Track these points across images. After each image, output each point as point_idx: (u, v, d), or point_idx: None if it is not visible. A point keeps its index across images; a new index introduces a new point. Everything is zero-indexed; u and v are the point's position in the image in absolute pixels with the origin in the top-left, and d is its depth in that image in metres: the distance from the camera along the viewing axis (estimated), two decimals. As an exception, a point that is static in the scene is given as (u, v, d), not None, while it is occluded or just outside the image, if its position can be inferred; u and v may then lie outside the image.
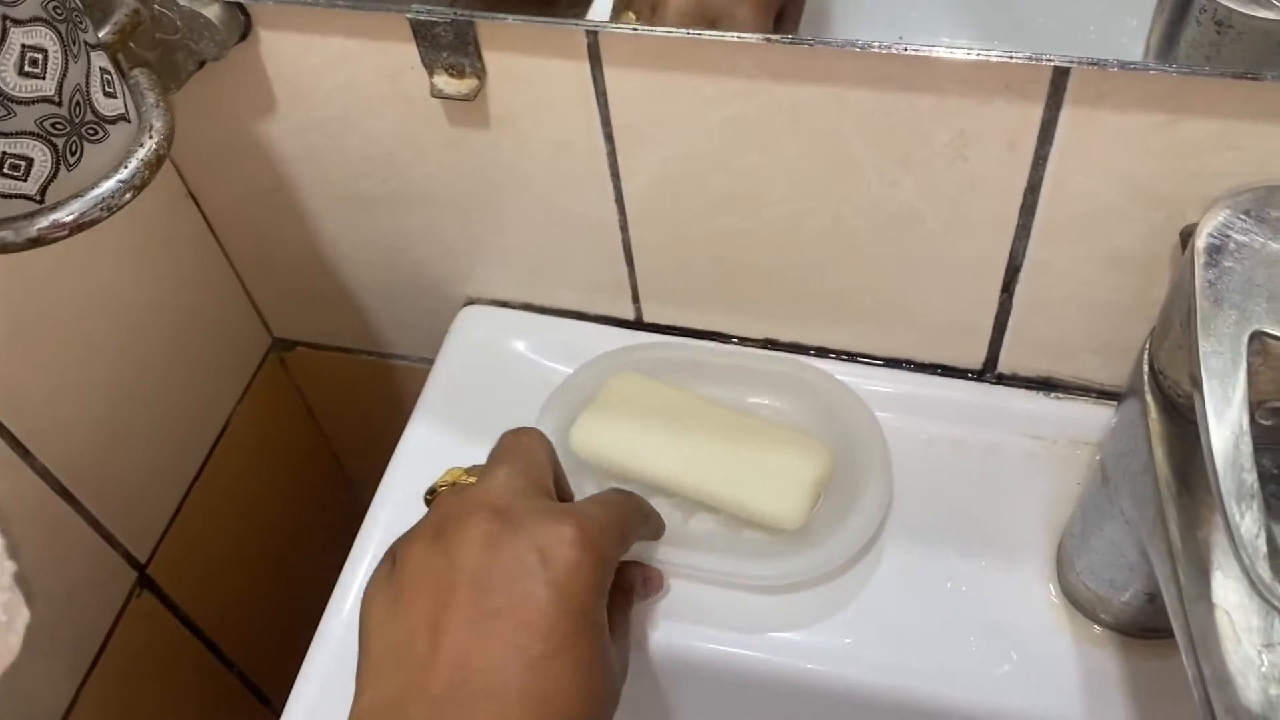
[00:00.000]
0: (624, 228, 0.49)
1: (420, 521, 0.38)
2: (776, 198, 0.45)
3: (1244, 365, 0.30)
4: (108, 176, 0.36)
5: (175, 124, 0.40)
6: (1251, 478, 0.28)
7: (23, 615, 0.38)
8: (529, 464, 0.39)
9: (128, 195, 0.36)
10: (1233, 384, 0.30)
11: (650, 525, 0.43)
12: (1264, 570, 0.27)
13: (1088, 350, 0.48)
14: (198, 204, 0.56)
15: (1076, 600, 0.45)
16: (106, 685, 0.55)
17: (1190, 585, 0.32)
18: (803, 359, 0.52)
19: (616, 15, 0.40)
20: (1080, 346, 0.48)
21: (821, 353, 0.52)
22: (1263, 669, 0.30)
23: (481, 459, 0.51)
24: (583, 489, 0.47)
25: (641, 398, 0.49)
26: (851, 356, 0.52)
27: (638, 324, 0.55)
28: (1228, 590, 0.32)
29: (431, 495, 0.41)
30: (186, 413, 0.58)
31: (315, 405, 0.68)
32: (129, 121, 0.38)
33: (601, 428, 0.48)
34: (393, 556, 0.38)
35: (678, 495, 0.48)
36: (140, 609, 0.56)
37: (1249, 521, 0.28)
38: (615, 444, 0.48)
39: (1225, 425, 0.29)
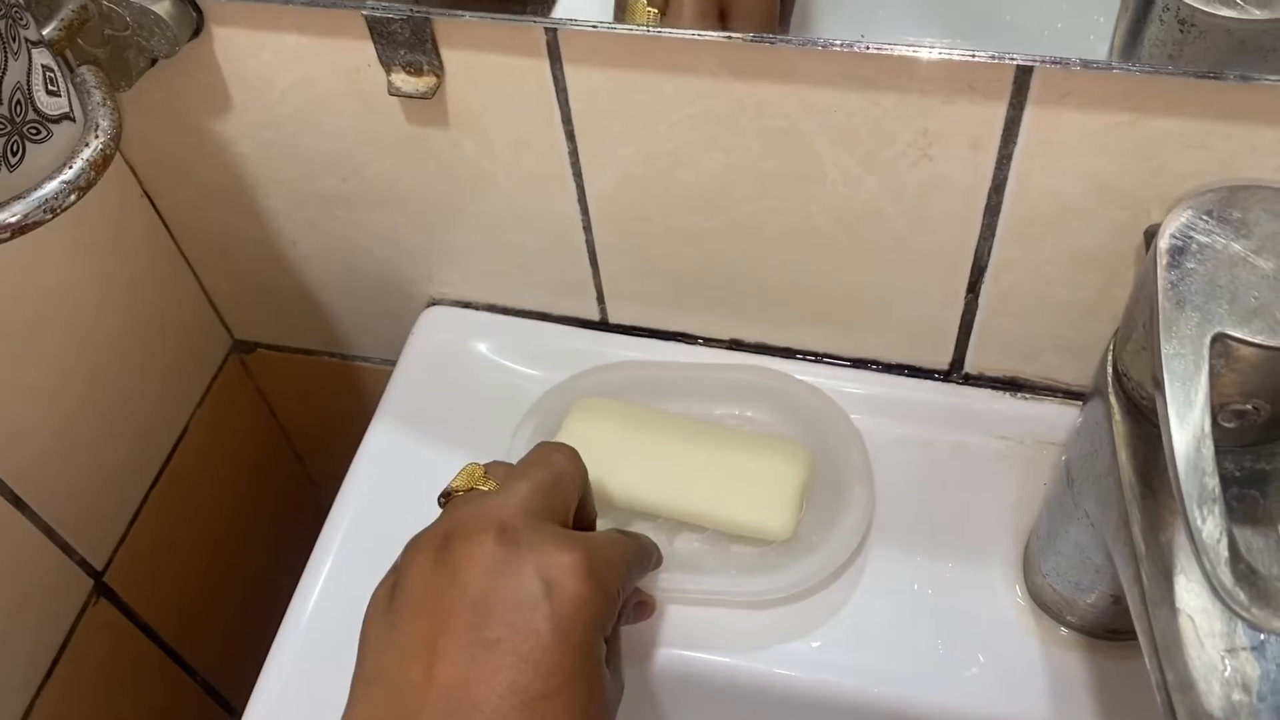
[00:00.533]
0: (587, 227, 0.49)
1: (429, 529, 0.37)
2: (741, 197, 0.45)
3: (1206, 368, 0.30)
4: (51, 177, 0.35)
5: (124, 123, 0.39)
6: (1213, 481, 0.28)
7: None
8: (554, 484, 0.37)
9: (72, 196, 0.35)
10: (1195, 387, 0.29)
11: (653, 562, 0.42)
12: (1225, 575, 0.27)
13: (1053, 350, 0.47)
14: (153, 204, 0.54)
15: (1043, 602, 0.44)
16: (62, 695, 0.54)
17: (1154, 589, 0.32)
18: (766, 363, 0.51)
19: (627, 7, 0.38)
20: (1046, 346, 0.48)
21: (788, 353, 0.52)
22: (1226, 674, 0.30)
23: (443, 462, 0.50)
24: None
25: (609, 421, 0.47)
26: (818, 357, 0.52)
27: (603, 324, 0.54)
28: (1191, 594, 0.31)
29: (445, 498, 0.39)
30: (144, 416, 0.57)
31: (277, 407, 0.67)
32: (74, 121, 0.37)
33: None
34: (397, 569, 0.36)
35: (659, 517, 0.47)
36: (97, 617, 0.55)
37: (1211, 526, 0.28)
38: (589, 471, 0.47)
39: (1187, 428, 0.29)
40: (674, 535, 0.47)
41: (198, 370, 0.61)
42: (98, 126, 0.37)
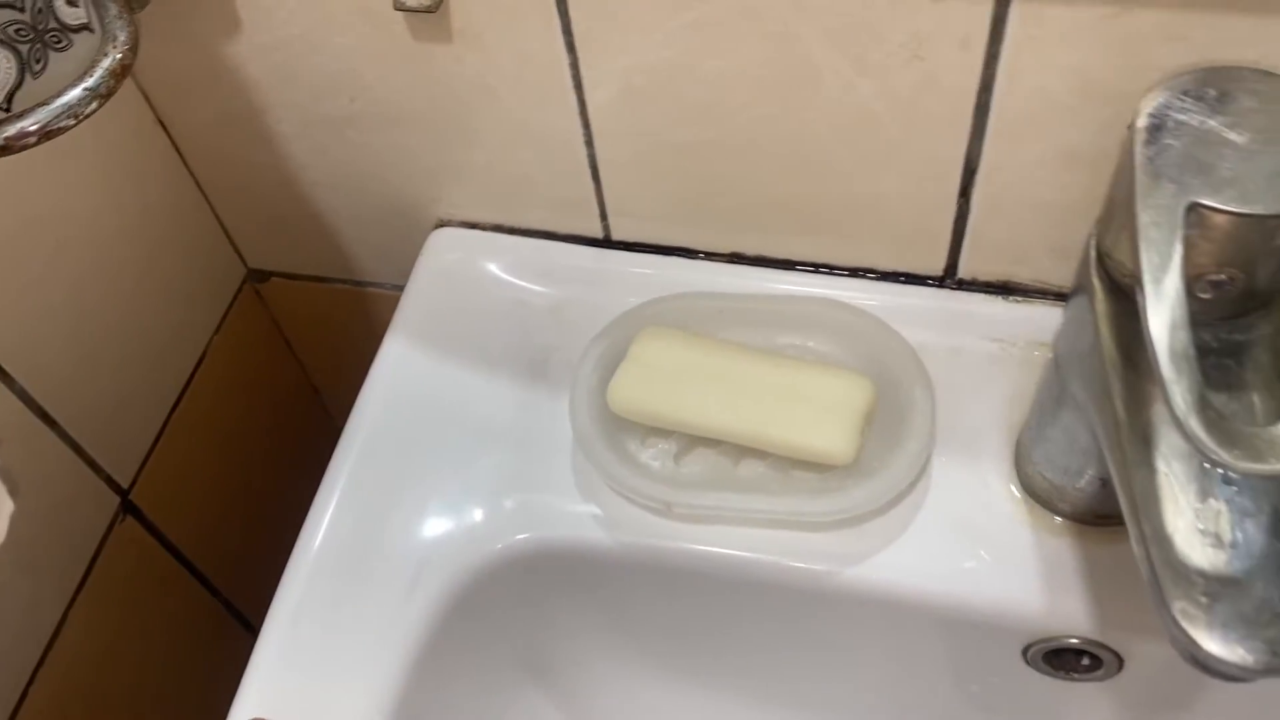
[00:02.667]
0: (589, 142, 0.50)
1: None
2: (738, 105, 0.46)
3: (1181, 234, 0.31)
4: (73, 85, 0.37)
5: (140, 36, 0.40)
6: (1186, 336, 0.29)
7: (7, 505, 0.39)
8: None
9: (94, 104, 0.37)
10: (1171, 252, 0.31)
11: None
12: (1197, 426, 0.28)
13: (1044, 252, 0.49)
14: (167, 132, 0.56)
15: (1035, 492, 0.46)
16: (93, 608, 0.56)
17: (1133, 451, 0.33)
18: (828, 294, 0.51)
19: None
20: (1037, 248, 0.49)
21: (788, 265, 0.53)
22: (1199, 525, 0.32)
23: (453, 380, 0.52)
24: (626, 445, 0.48)
25: (673, 349, 0.48)
26: (816, 267, 0.53)
27: (606, 242, 0.55)
28: (1167, 454, 0.33)
29: None
30: (162, 343, 0.59)
31: (292, 336, 0.69)
32: (92, 31, 0.38)
33: (637, 385, 0.47)
34: None
35: (723, 443, 0.48)
36: (124, 534, 0.57)
37: (1184, 379, 0.29)
38: (654, 399, 0.47)
39: (1164, 291, 0.30)
40: (738, 460, 0.48)
41: (214, 299, 0.63)
42: (115, 38, 0.38)
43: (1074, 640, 0.44)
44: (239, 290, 0.64)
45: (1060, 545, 0.45)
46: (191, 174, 0.58)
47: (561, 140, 0.50)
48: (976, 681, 0.49)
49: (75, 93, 0.37)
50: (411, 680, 0.46)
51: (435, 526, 0.48)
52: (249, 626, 0.67)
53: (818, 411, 0.46)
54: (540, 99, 0.48)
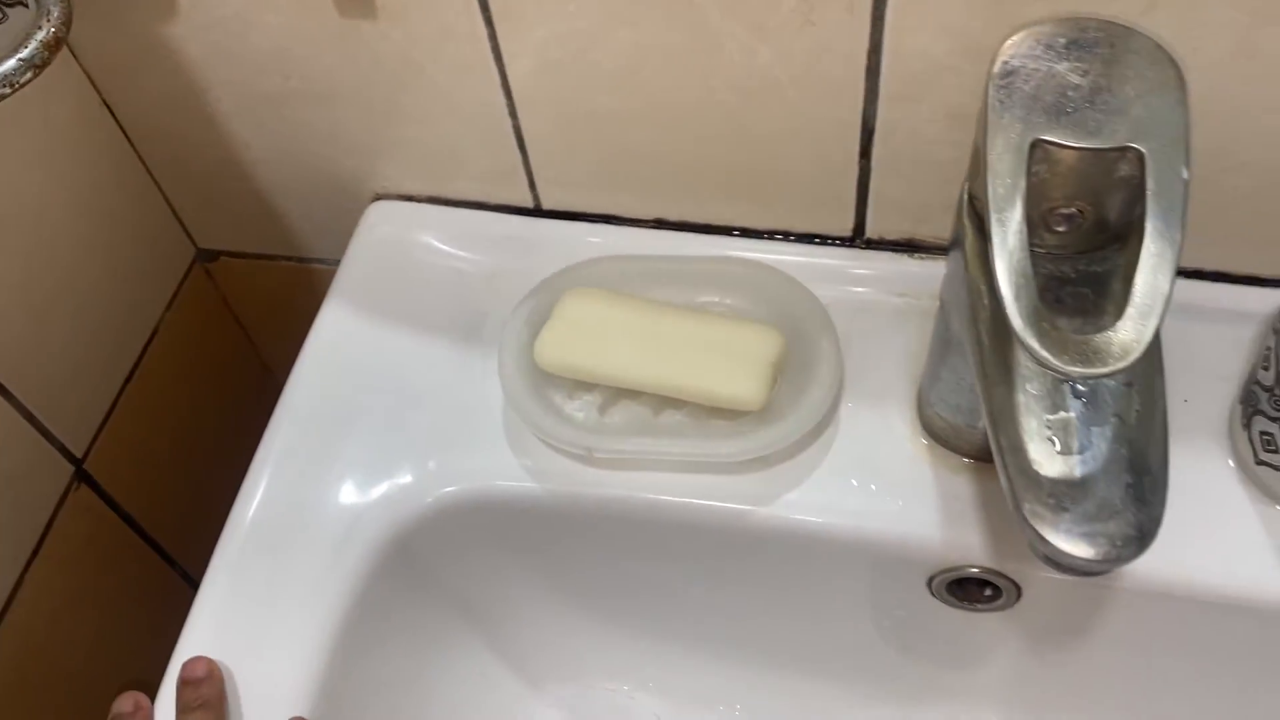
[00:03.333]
0: (513, 114, 0.53)
1: None
2: (649, 74, 0.49)
3: (1025, 168, 0.34)
4: (8, 56, 0.39)
5: (78, 24, 0.42)
6: (1025, 258, 0.32)
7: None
8: None
9: (28, 74, 0.39)
10: (1015, 184, 0.34)
11: None
12: (1030, 337, 0.31)
13: (941, 210, 0.52)
14: (113, 114, 0.58)
15: (935, 433, 0.49)
16: (48, 574, 0.58)
17: (994, 373, 0.36)
18: (745, 255, 0.54)
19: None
20: (935, 207, 0.52)
21: (708, 229, 0.56)
22: (1048, 435, 0.35)
23: (388, 346, 0.54)
24: (552, 399, 0.51)
25: (596, 308, 0.51)
26: (735, 231, 0.56)
27: (537, 210, 0.58)
28: (1024, 375, 0.36)
29: None
30: (114, 317, 0.61)
31: (241, 313, 0.71)
32: (26, 7, 0.41)
33: (562, 341, 0.50)
34: None
35: (644, 394, 0.50)
36: (78, 501, 0.59)
37: (1022, 297, 0.32)
38: (578, 354, 0.50)
39: (1006, 219, 0.33)
40: (659, 411, 0.50)
41: (164, 278, 0.65)
42: (49, 12, 0.41)
43: (974, 570, 0.47)
44: (189, 269, 0.67)
45: (959, 482, 0.48)
46: (139, 155, 0.61)
47: (487, 112, 0.53)
48: (888, 616, 0.52)
49: (10, 64, 0.39)
50: (345, 631, 0.48)
51: (368, 483, 0.51)
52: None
53: (731, 362, 0.49)
54: (464, 72, 0.51)
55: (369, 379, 0.54)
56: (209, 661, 0.46)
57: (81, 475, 0.59)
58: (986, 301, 0.37)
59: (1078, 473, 0.34)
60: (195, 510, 0.68)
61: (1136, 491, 0.33)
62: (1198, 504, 0.46)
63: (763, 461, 0.49)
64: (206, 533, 0.51)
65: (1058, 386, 0.35)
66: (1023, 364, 0.36)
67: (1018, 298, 0.31)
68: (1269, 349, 0.43)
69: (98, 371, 0.61)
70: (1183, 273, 0.52)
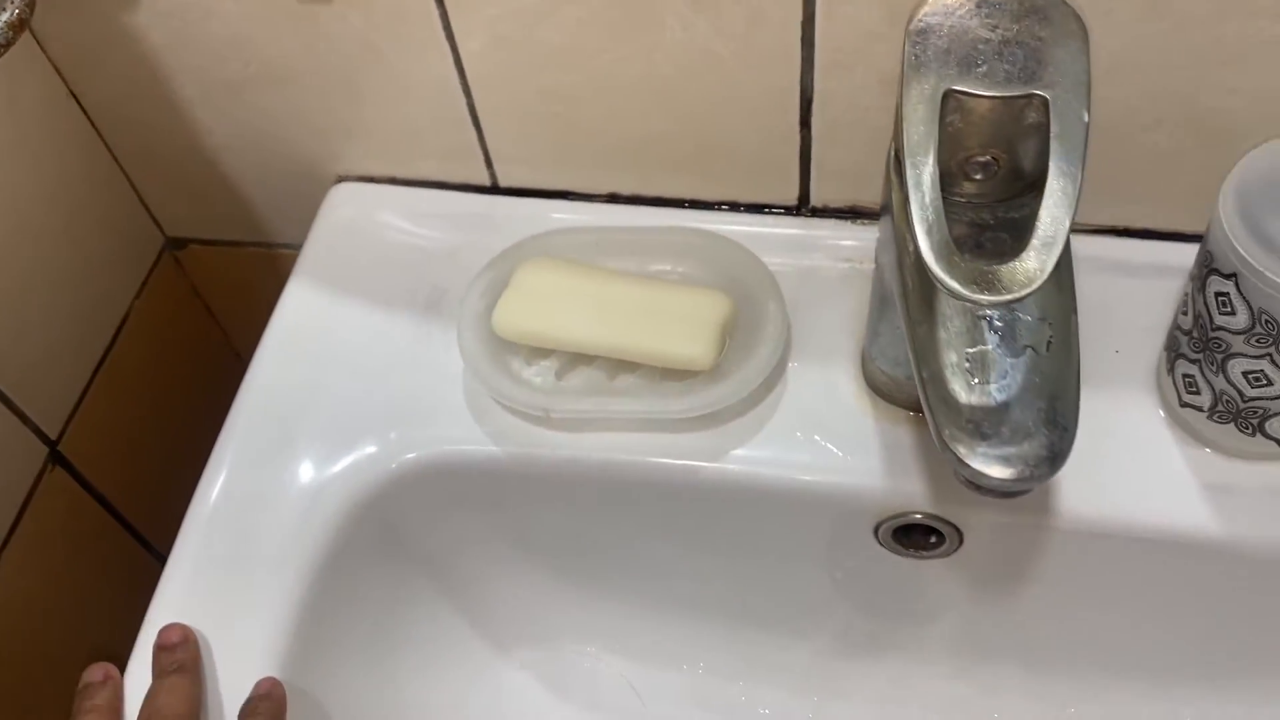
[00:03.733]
0: (467, 92, 0.54)
1: None
2: (596, 49, 0.51)
3: (937, 117, 0.36)
4: (-27, 37, 0.41)
5: (46, 20, 0.44)
6: (936, 197, 0.34)
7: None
8: None
9: (9, 34, 0.41)
10: (928, 132, 0.36)
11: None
12: (940, 268, 0.33)
13: (881, 176, 0.54)
14: (80, 103, 0.60)
15: (877, 388, 0.51)
16: (25, 555, 0.59)
17: (917, 313, 0.38)
18: (694, 225, 0.56)
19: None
20: (875, 173, 0.53)
21: (660, 202, 0.58)
22: (967, 367, 0.37)
23: (351, 323, 0.56)
24: (510, 365, 0.52)
25: (552, 277, 0.52)
26: (685, 203, 0.58)
27: (494, 189, 0.60)
28: (945, 313, 0.38)
29: None
30: (85, 305, 0.63)
31: (211, 301, 0.72)
32: (-8, -10, 0.42)
33: (519, 309, 0.52)
34: None
35: (599, 359, 0.52)
36: (53, 483, 0.61)
37: (933, 234, 0.34)
38: (534, 321, 0.51)
39: (919, 163, 0.35)
40: (614, 375, 0.52)
41: (132, 268, 0.67)
42: (13, -4, 0.43)
43: (917, 515, 0.49)
44: (158, 258, 0.68)
45: (901, 434, 0.50)
46: (106, 145, 0.62)
47: (442, 91, 0.54)
48: (839, 567, 0.54)
49: (-25, 43, 0.41)
50: (313, 597, 0.49)
51: (332, 455, 0.52)
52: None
53: (681, 325, 0.51)
54: (418, 53, 0.53)
55: (333, 355, 0.56)
56: (183, 627, 0.48)
57: (56, 457, 0.61)
58: (911, 248, 0.39)
59: (994, 400, 0.36)
60: (168, 493, 0.69)
61: (1049, 416, 0.35)
62: (1128, 448, 0.49)
63: (713, 419, 0.51)
64: (179, 515, 0.52)
65: (976, 323, 0.37)
66: (943, 304, 0.38)
67: (929, 234, 0.34)
68: (1187, 295, 0.46)
69: (69, 359, 0.62)
70: (1109, 231, 0.54)
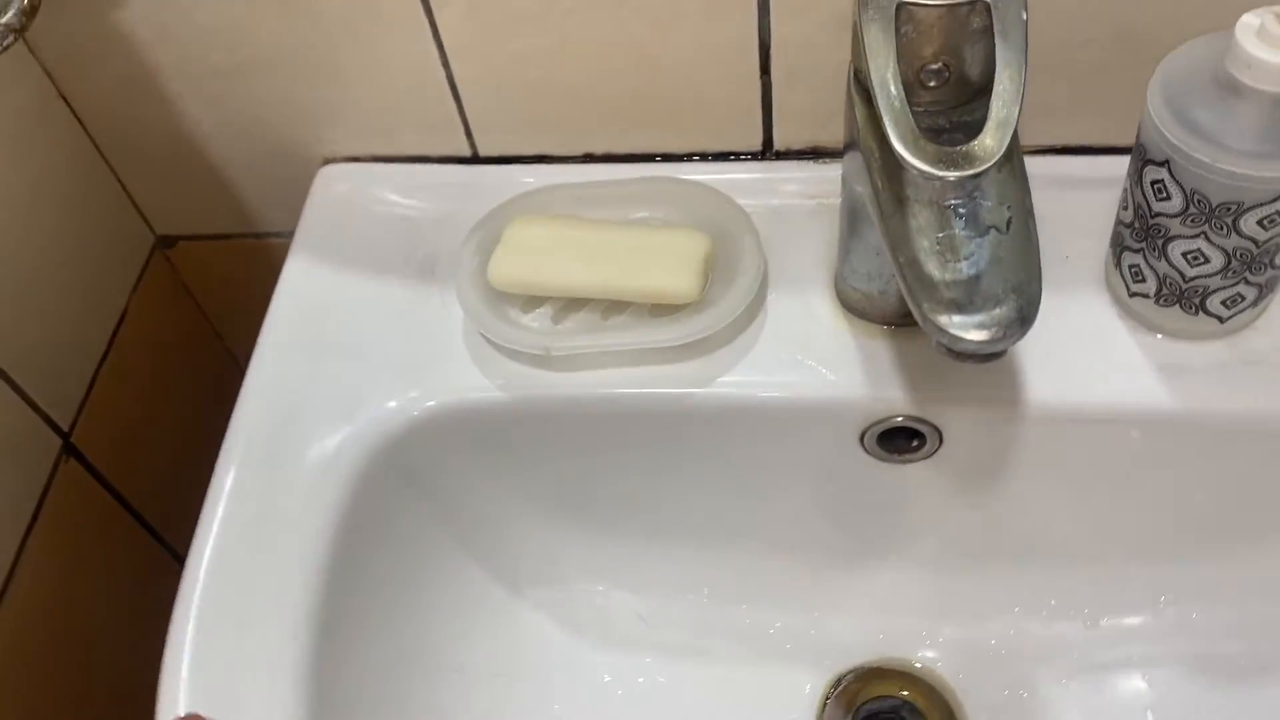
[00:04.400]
0: (445, 64, 0.58)
1: None
2: (565, 10, 0.54)
3: (893, 28, 0.40)
4: (-10, 22, 0.44)
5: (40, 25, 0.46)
6: (899, 92, 0.38)
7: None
8: None
9: (10, 38, 0.44)
10: (887, 40, 0.40)
11: None
12: (907, 151, 0.37)
13: (839, 115, 0.58)
14: (69, 105, 0.62)
15: (852, 306, 0.55)
16: (44, 551, 0.61)
17: (889, 209, 0.42)
18: (667, 174, 0.60)
19: None
20: (834, 112, 0.57)
21: (632, 158, 0.62)
22: (938, 249, 0.40)
23: (350, 293, 0.59)
24: (508, 314, 0.56)
25: (540, 230, 0.56)
26: (656, 157, 0.61)
27: (475, 158, 0.63)
28: (914, 206, 0.42)
29: None
30: (80, 308, 0.65)
31: (204, 297, 0.75)
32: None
33: (512, 261, 0.55)
34: None
35: (592, 301, 0.55)
36: (68, 475, 0.63)
37: (900, 123, 0.38)
38: (528, 270, 0.55)
39: (880, 67, 0.39)
40: (607, 315, 0.55)
41: (125, 267, 0.69)
42: (23, -15, 0.45)
43: (899, 418, 0.53)
44: (149, 256, 0.70)
45: (877, 346, 0.54)
46: (95, 145, 0.65)
47: (422, 65, 0.58)
48: (830, 480, 0.58)
49: (-8, 27, 0.44)
50: (337, 552, 0.52)
51: (344, 414, 0.55)
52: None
53: (665, 262, 0.54)
54: (397, 27, 0.56)
55: (335, 324, 0.59)
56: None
57: (69, 448, 0.63)
58: (877, 152, 0.43)
59: (965, 275, 0.40)
60: (177, 483, 0.71)
61: (1015, 284, 0.39)
62: (1086, 340, 0.53)
63: (702, 348, 0.54)
64: (189, 505, 0.54)
65: (942, 212, 0.41)
66: (912, 198, 0.42)
67: (896, 123, 0.38)
68: (1126, 191, 0.50)
69: (73, 355, 0.64)
70: (1051, 150, 0.59)
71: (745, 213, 0.57)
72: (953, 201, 0.40)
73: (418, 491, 0.57)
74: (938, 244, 0.41)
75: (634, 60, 0.56)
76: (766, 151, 0.61)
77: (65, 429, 0.63)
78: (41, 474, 0.61)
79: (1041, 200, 0.51)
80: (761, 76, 0.57)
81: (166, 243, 0.71)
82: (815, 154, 0.60)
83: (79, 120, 0.63)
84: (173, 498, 0.71)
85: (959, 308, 0.39)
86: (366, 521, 0.54)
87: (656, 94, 0.58)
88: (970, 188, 0.39)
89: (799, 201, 0.60)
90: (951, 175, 0.37)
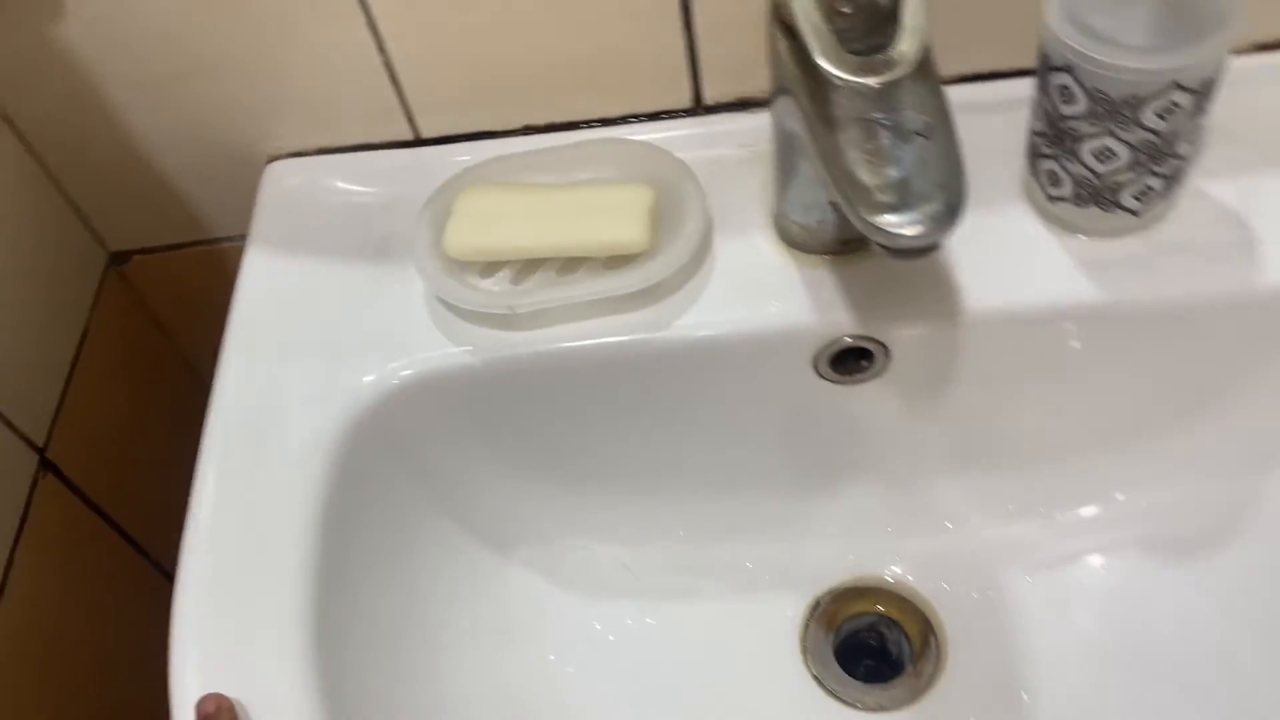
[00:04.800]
0: (382, 49, 0.60)
1: None
2: (495, -15, 0.57)
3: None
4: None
5: None
6: (821, 18, 0.41)
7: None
8: None
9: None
10: (801, -30, 0.43)
11: None
12: (829, 64, 0.40)
13: (761, 66, 0.61)
14: (13, 126, 0.63)
15: (793, 240, 0.58)
16: (30, 562, 0.62)
17: (819, 129, 0.45)
18: (604, 134, 0.62)
19: None
20: (757, 63, 0.60)
21: (571, 125, 0.64)
22: (867, 159, 0.43)
23: (310, 282, 0.60)
24: (469, 281, 0.58)
25: (490, 198, 0.58)
26: (593, 123, 0.64)
27: (419, 141, 0.65)
28: (843, 123, 0.45)
29: None
30: (39, 328, 0.65)
31: (161, 313, 0.76)
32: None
33: (467, 229, 0.57)
34: None
35: (548, 261, 0.58)
36: (46, 490, 0.64)
37: (820, 40, 0.41)
38: (482, 236, 0.57)
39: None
40: (564, 273, 0.58)
41: (81, 286, 0.70)
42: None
43: (848, 339, 0.56)
44: (104, 274, 0.71)
45: (820, 275, 0.57)
46: (42, 164, 0.66)
47: (358, 53, 0.60)
48: (787, 408, 0.60)
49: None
50: (328, 530, 0.53)
51: (319, 397, 0.56)
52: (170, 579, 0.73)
53: (614, 215, 0.57)
54: (332, 18, 0.58)
55: (299, 314, 0.60)
56: (218, 697, 0.48)
57: (46, 464, 0.64)
58: (804, 80, 0.46)
59: (895, 179, 0.43)
60: (155, 493, 0.72)
61: (942, 182, 0.43)
62: (1014, 248, 0.56)
63: (656, 295, 0.57)
64: (169, 515, 0.55)
65: (868, 125, 0.44)
66: (840, 117, 0.45)
67: (818, 38, 0.41)
68: (1036, 102, 0.53)
69: (40, 372, 0.65)
70: (962, 79, 0.62)
71: (683, 163, 0.59)
72: (876, 115, 0.43)
73: (401, 463, 0.59)
74: (867, 154, 0.44)
75: (563, 29, 0.59)
76: (698, 107, 0.64)
77: (40, 445, 0.64)
78: (22, 490, 0.62)
79: (961, 124, 0.55)
80: (685, 32, 0.60)
81: (120, 258, 0.72)
82: (743, 105, 0.63)
83: (23, 140, 0.64)
84: (152, 508, 0.72)
85: (892, 208, 0.42)
86: (354, 496, 0.56)
87: (588, 61, 0.61)
88: (892, 99, 0.42)
89: (733, 151, 0.63)
90: (874, 81, 0.40)
